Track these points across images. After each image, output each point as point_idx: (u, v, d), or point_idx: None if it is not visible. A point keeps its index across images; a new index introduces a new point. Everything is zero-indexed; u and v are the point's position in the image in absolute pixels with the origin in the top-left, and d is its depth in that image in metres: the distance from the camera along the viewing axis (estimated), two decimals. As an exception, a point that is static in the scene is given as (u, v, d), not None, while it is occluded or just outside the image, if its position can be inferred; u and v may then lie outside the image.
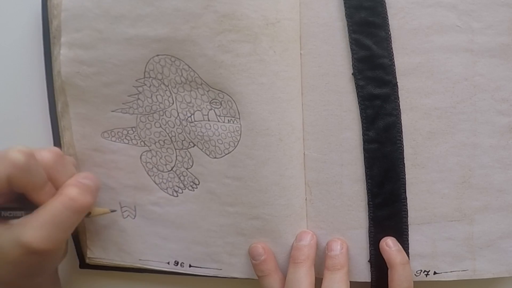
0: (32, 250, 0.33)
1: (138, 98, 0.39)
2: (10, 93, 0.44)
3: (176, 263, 0.42)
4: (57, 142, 0.42)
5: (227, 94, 0.38)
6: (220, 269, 0.41)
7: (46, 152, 0.36)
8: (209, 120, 0.39)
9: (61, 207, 0.34)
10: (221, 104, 0.38)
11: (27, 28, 0.43)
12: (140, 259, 0.42)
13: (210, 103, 0.38)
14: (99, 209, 0.40)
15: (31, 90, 0.43)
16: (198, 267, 0.42)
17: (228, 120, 0.38)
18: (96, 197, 0.37)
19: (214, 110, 0.39)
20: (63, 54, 0.39)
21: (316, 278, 0.38)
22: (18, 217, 0.35)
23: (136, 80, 0.39)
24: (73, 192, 0.35)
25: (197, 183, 0.40)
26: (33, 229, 0.33)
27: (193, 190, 0.40)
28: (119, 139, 0.40)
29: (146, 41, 0.38)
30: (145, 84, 0.39)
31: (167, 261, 0.42)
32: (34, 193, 0.34)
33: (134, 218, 0.42)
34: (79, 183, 0.36)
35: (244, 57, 0.37)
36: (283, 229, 0.39)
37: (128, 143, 0.40)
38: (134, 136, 0.40)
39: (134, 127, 0.40)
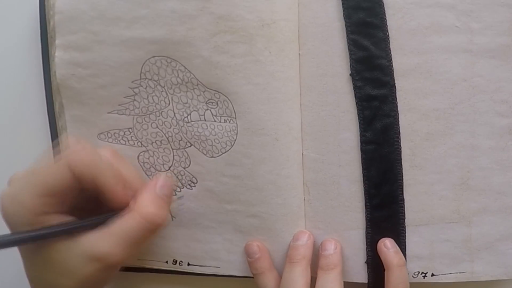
0: (110, 265, 0.32)
1: (134, 100, 0.39)
2: (9, 91, 0.44)
3: (175, 261, 0.42)
4: (55, 141, 0.42)
5: (223, 94, 0.38)
6: (219, 267, 0.42)
7: (105, 151, 0.36)
8: (205, 120, 0.39)
9: (140, 228, 0.33)
10: (217, 104, 0.38)
11: (25, 27, 0.43)
12: (138, 259, 0.42)
13: (206, 103, 0.39)
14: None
15: (30, 89, 0.43)
16: (196, 265, 0.42)
17: (225, 120, 0.38)
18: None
19: (210, 110, 0.39)
20: (58, 56, 0.39)
21: (313, 278, 0.38)
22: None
23: (132, 82, 0.39)
24: (152, 211, 0.34)
25: (195, 181, 0.40)
26: (113, 247, 0.32)
27: (192, 189, 0.41)
28: (116, 140, 0.41)
29: (142, 43, 0.38)
30: (141, 86, 0.39)
31: (166, 260, 0.42)
32: (110, 193, 0.33)
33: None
34: (159, 198, 0.35)
35: (239, 58, 0.37)
36: (280, 228, 0.40)
37: (124, 144, 0.41)
38: (131, 137, 0.40)
39: (130, 128, 0.40)
